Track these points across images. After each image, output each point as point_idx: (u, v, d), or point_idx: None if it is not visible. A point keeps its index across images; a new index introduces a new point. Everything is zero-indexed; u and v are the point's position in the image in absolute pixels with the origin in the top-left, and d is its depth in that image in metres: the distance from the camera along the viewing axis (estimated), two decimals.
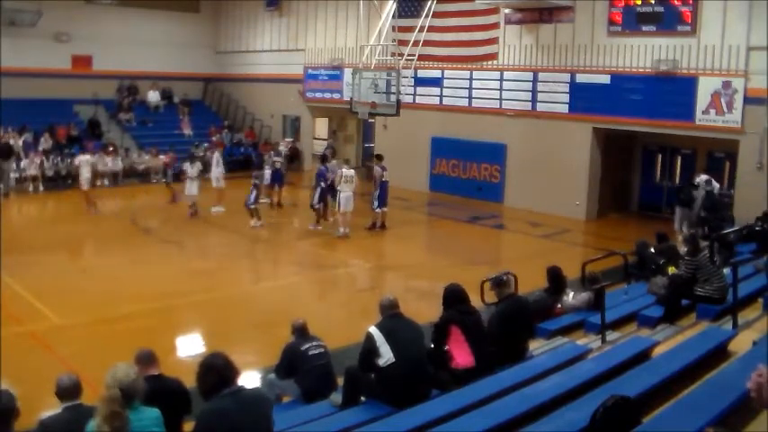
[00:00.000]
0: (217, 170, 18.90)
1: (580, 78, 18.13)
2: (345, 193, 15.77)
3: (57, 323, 10.13)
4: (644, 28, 16.76)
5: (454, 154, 21.24)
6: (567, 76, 18.40)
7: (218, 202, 18.39)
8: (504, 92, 19.85)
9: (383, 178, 16.39)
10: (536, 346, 7.40)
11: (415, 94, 21.30)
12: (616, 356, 5.82)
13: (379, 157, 16.97)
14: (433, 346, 6.24)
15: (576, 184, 18.22)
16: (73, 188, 21.43)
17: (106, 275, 12.97)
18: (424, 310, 9.26)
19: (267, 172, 18.49)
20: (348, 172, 16.16)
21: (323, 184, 16.44)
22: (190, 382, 4.89)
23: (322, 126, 27.67)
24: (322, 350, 6.59)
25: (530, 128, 19.21)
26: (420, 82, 21.42)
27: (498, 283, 6.98)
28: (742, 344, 6.00)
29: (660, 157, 19.40)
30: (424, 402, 5.38)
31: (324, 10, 25.08)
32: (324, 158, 17.90)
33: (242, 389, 4.14)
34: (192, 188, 17.47)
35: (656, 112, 16.60)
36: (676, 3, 16.12)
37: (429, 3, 17.61)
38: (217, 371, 4.03)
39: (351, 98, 17.97)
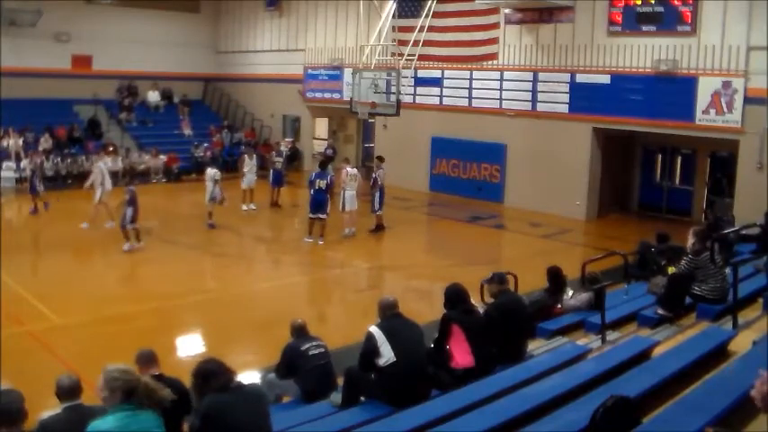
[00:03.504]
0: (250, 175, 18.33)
1: (580, 78, 18.13)
2: (349, 192, 15.79)
3: (57, 323, 10.14)
4: (644, 28, 16.76)
5: (454, 154, 21.25)
6: (567, 76, 18.40)
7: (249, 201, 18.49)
8: (504, 92, 19.86)
9: (381, 180, 16.35)
10: (536, 346, 7.40)
11: (415, 94, 21.31)
12: (616, 356, 5.81)
13: (381, 159, 16.96)
14: (433, 345, 6.25)
15: (576, 184, 18.22)
16: (73, 188, 21.45)
17: (106, 275, 12.98)
18: (425, 311, 9.27)
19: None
20: (352, 171, 16.24)
21: (312, 191, 15.33)
22: (189, 381, 4.89)
23: (322, 126, 27.68)
24: (322, 350, 6.60)
25: (530, 128, 19.21)
26: (420, 82, 21.42)
27: (493, 281, 6.96)
28: (742, 344, 6.00)
29: (660, 157, 19.41)
30: (424, 402, 5.38)
31: (324, 10, 25.09)
32: (322, 164, 16.73)
33: (241, 385, 4.25)
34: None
35: (656, 112, 16.60)
36: (676, 3, 16.12)
37: (429, 3, 17.62)
38: (216, 377, 4.13)
39: (351, 98, 17.98)
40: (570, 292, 8.85)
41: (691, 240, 7.84)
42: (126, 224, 14.07)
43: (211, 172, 16.49)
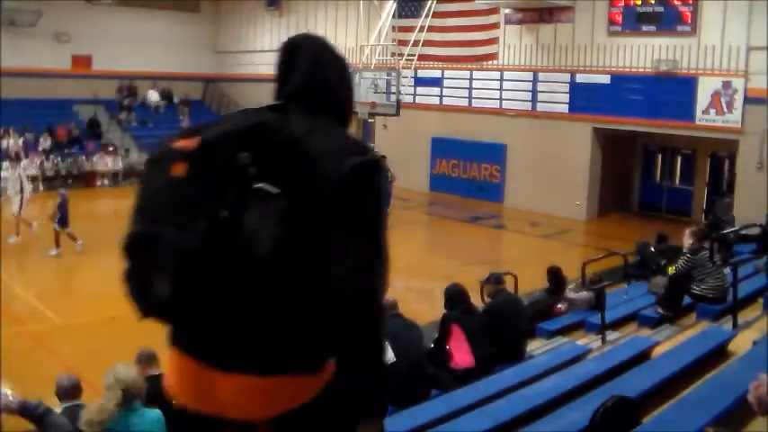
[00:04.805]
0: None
1: (580, 78, 18.13)
2: None
3: (57, 323, 10.13)
4: (644, 28, 16.77)
5: (454, 154, 21.24)
6: (567, 76, 18.41)
7: None
8: (504, 92, 19.86)
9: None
10: (536, 346, 7.41)
11: (415, 94, 21.31)
12: (616, 356, 5.81)
13: (382, 157, 16.96)
14: (433, 345, 6.25)
15: (576, 184, 18.22)
16: (73, 188, 21.46)
17: (106, 275, 12.94)
18: (424, 311, 9.28)
19: None
20: None
21: None
22: None
23: None
24: None
25: (530, 128, 19.21)
26: (420, 82, 21.42)
27: (489, 281, 7.02)
28: (742, 344, 5.99)
29: (660, 157, 19.41)
30: (424, 402, 5.38)
31: (324, 10, 25.09)
32: None
33: None
34: None
35: (656, 112, 16.60)
36: (676, 3, 16.13)
37: (429, 3, 17.62)
38: None
39: None
40: (571, 291, 8.87)
41: (689, 240, 7.85)
42: (59, 227, 13.58)
43: None
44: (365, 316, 1.64)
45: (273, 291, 1.52)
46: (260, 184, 1.51)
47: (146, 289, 1.53)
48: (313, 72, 1.78)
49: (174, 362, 1.65)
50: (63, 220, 13.63)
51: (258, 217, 1.49)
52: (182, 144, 1.60)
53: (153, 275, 1.51)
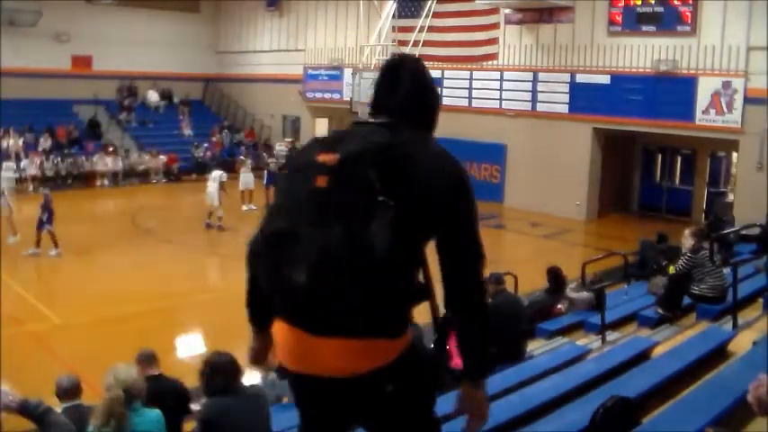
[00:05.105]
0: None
1: (580, 78, 18.13)
2: None
3: (57, 323, 10.14)
4: (644, 28, 16.77)
5: (454, 154, 21.13)
6: (567, 76, 18.40)
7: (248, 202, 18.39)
8: (504, 92, 19.86)
9: None
10: (536, 346, 7.41)
11: None
12: (616, 357, 5.81)
13: None
14: (433, 345, 6.25)
15: (577, 184, 18.22)
16: (73, 188, 21.50)
17: (106, 275, 12.97)
18: (425, 310, 9.27)
19: None
20: None
21: None
22: (190, 382, 4.90)
23: (322, 126, 27.66)
24: None
25: (530, 128, 19.20)
26: None
27: (490, 281, 7.04)
28: (742, 344, 5.99)
29: (660, 157, 19.41)
30: None
31: (324, 10, 25.09)
32: None
33: (243, 387, 4.26)
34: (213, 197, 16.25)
35: (656, 112, 16.60)
36: (676, 3, 16.13)
37: (429, 3, 17.62)
38: (223, 372, 4.11)
39: (351, 98, 17.98)
40: (571, 294, 8.86)
41: (690, 241, 7.84)
42: (42, 228, 13.58)
43: (216, 173, 16.57)
44: (470, 296, 2.18)
45: (381, 281, 1.89)
46: (382, 198, 1.88)
47: (279, 273, 1.89)
48: (414, 86, 2.28)
49: (281, 333, 2.01)
50: (50, 220, 13.64)
51: (380, 225, 1.86)
52: (324, 159, 1.94)
53: (291, 265, 1.86)
